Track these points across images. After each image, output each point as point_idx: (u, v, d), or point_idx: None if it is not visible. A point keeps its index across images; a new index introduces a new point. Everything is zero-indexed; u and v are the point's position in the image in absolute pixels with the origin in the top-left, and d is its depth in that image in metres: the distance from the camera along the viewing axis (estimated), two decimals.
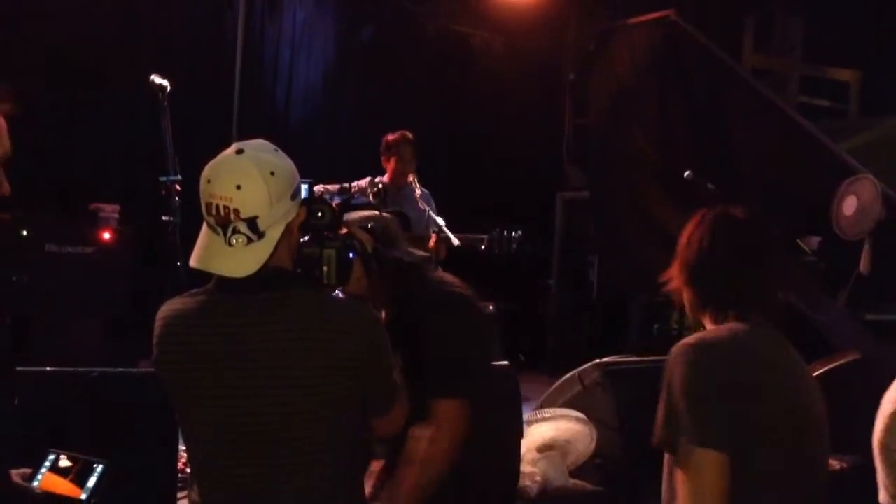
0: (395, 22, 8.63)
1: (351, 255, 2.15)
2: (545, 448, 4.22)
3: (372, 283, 2.38)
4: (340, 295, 2.19)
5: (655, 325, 7.17)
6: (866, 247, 5.34)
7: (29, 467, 2.20)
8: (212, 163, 1.96)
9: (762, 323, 2.05)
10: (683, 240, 2.14)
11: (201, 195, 1.95)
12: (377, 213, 2.65)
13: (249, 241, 1.91)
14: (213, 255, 1.94)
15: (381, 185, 5.44)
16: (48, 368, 3.45)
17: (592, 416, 4.31)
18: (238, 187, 1.90)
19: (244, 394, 1.91)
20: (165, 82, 4.49)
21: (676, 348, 1.98)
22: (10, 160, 2.05)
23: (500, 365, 3.81)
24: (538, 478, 4.13)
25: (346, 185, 5.55)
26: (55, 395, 3.37)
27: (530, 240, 5.78)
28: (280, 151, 2.02)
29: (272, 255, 1.94)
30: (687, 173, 4.86)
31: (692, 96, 6.60)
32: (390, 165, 5.62)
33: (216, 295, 1.99)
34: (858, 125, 8.14)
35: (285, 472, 1.93)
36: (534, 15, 8.70)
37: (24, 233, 5.49)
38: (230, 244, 1.91)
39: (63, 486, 2.18)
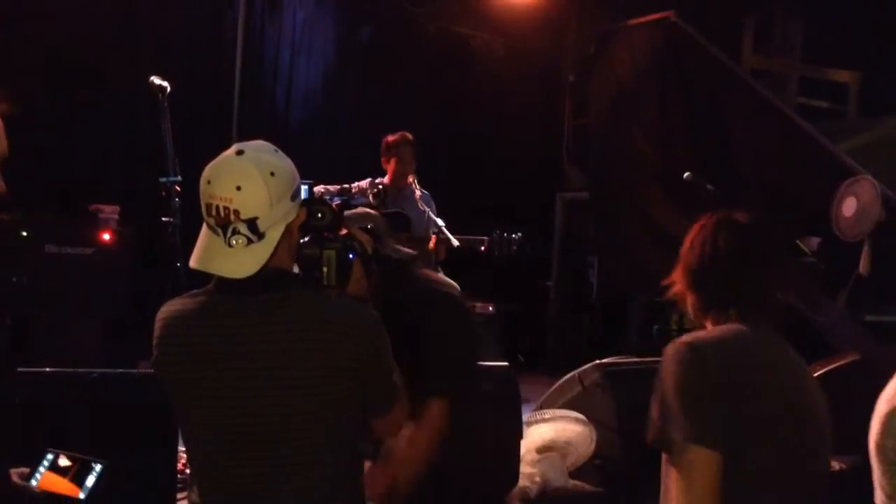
0: (395, 22, 8.63)
1: (351, 256, 2.15)
2: (545, 449, 4.22)
3: (372, 284, 2.38)
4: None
5: (655, 326, 7.15)
6: (866, 248, 5.33)
7: (28, 467, 2.20)
8: (212, 164, 1.97)
9: (762, 324, 2.06)
10: (686, 244, 2.15)
11: (201, 196, 1.95)
12: (365, 210, 2.65)
13: (249, 241, 1.92)
14: (213, 255, 1.94)
15: (381, 186, 5.45)
16: (48, 369, 3.46)
17: (592, 417, 4.32)
18: (238, 188, 1.90)
19: (244, 394, 1.91)
20: (165, 83, 4.49)
21: (670, 347, 1.99)
22: (7, 161, 2.05)
23: (499, 366, 3.81)
24: (538, 479, 4.13)
25: (347, 185, 5.55)
26: (55, 395, 3.37)
27: (530, 240, 5.77)
28: (280, 152, 2.02)
29: (272, 255, 1.94)
30: (687, 174, 4.85)
31: (692, 97, 6.58)
32: (390, 166, 5.61)
33: (216, 296, 1.99)
34: (858, 126, 8.13)
35: (285, 472, 1.93)
36: (534, 16, 8.71)
37: (24, 233, 5.49)
38: (230, 245, 1.91)
39: (62, 486, 2.17)
